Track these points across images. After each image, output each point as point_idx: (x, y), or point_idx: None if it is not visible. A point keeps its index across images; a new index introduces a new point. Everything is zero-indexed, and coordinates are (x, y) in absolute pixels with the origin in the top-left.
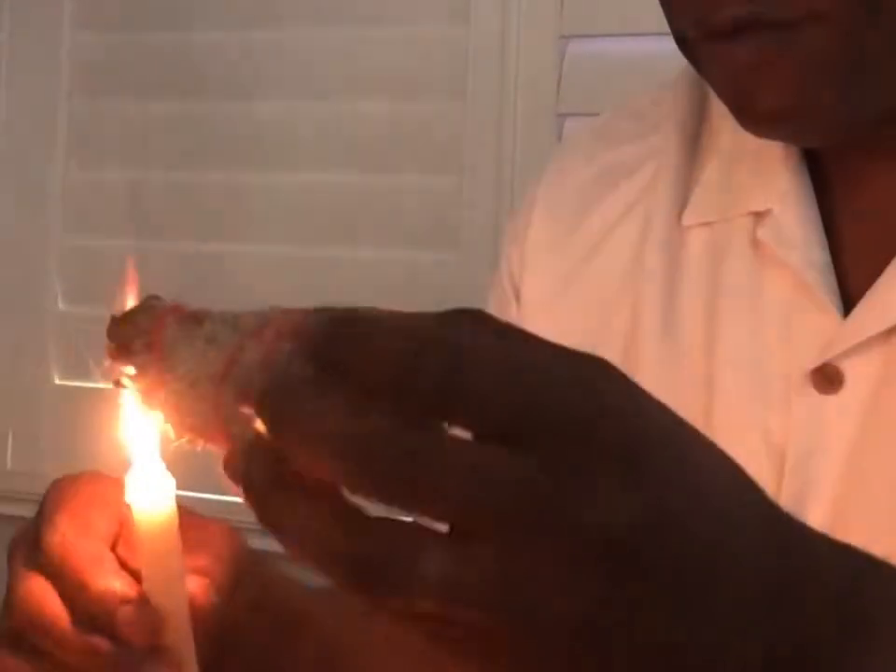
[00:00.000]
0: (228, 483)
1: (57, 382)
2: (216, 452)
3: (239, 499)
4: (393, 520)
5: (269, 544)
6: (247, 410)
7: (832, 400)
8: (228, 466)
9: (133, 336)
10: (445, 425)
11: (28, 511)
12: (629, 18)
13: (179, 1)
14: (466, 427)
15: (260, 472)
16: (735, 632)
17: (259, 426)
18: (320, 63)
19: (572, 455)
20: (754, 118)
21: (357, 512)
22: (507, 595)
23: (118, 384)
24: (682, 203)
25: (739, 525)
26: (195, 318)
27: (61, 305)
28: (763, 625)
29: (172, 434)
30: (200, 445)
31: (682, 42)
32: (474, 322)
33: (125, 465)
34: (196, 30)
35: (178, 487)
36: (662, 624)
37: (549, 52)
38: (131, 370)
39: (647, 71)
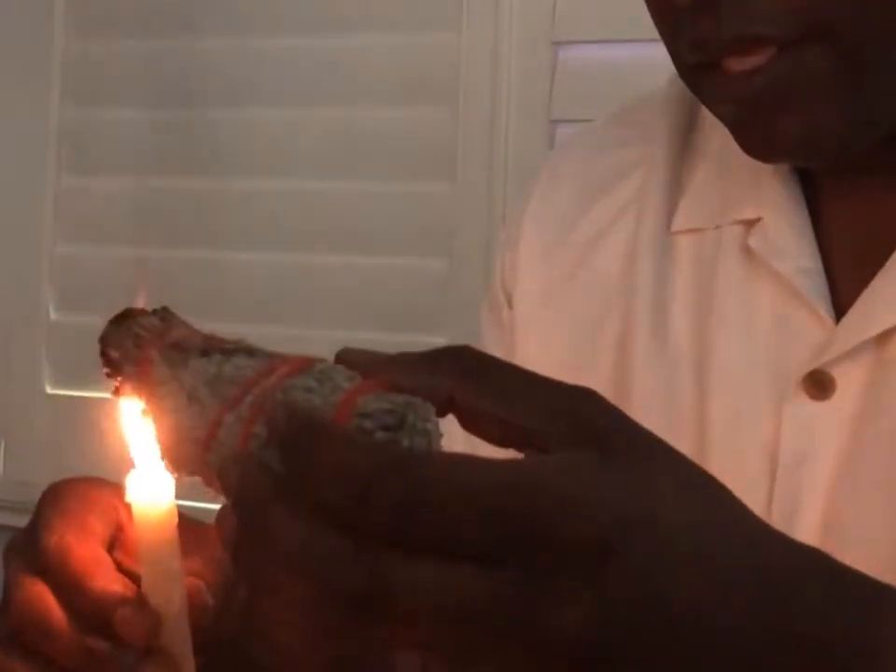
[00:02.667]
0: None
1: (49, 391)
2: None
3: None
4: (366, 621)
5: None
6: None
7: (823, 407)
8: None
9: (124, 359)
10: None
11: (20, 521)
12: (621, 24)
13: (172, 9)
14: (427, 545)
15: (245, 550)
16: None
17: None
18: (312, 69)
19: (538, 568)
20: (766, 152)
21: (333, 615)
22: None
23: (117, 391)
24: (672, 209)
25: (722, 605)
26: (179, 351)
27: (52, 314)
28: None
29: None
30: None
31: (683, 69)
32: (455, 370)
33: (120, 471)
34: (189, 38)
35: (176, 496)
36: None
37: (541, 59)
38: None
39: (639, 77)
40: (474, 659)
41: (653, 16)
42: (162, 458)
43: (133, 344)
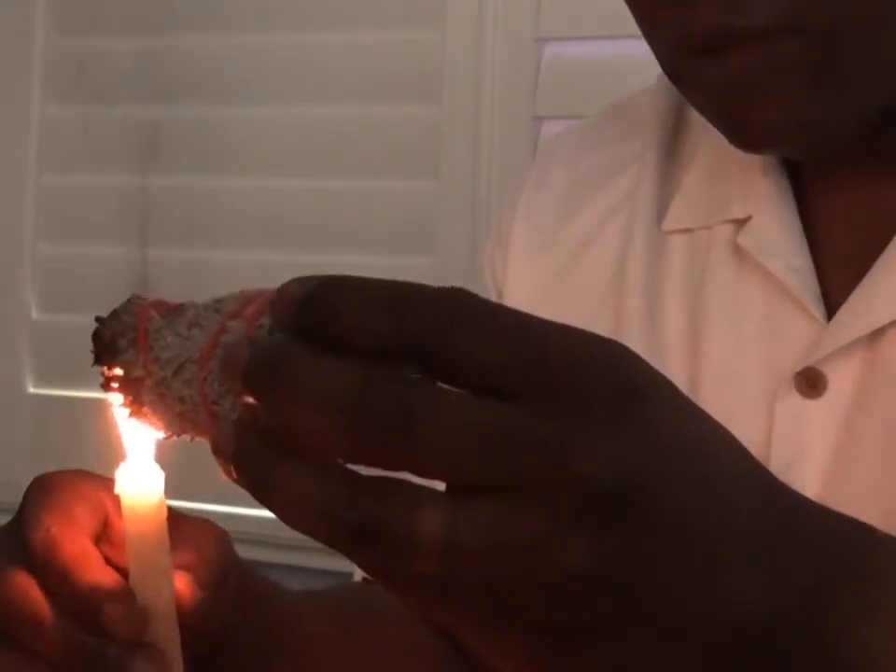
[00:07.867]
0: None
1: (31, 390)
2: (205, 443)
3: (227, 509)
4: (388, 479)
5: (255, 554)
6: (233, 388)
7: (815, 404)
8: (216, 445)
9: (118, 334)
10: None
11: (2, 520)
12: (606, 20)
13: (153, 7)
14: (455, 382)
15: (251, 446)
16: (738, 582)
17: (247, 403)
18: (295, 67)
19: (565, 405)
20: (746, 139)
21: (352, 475)
22: (505, 548)
23: (106, 388)
24: (663, 209)
25: (735, 475)
26: (178, 309)
27: (34, 314)
28: (766, 573)
29: (160, 432)
30: (189, 437)
31: (664, 62)
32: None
33: (104, 469)
34: (171, 36)
35: (167, 497)
36: (661, 576)
37: (525, 55)
38: (118, 371)
39: (624, 73)
40: (504, 503)
41: (633, 10)
42: (155, 412)
43: (130, 314)
